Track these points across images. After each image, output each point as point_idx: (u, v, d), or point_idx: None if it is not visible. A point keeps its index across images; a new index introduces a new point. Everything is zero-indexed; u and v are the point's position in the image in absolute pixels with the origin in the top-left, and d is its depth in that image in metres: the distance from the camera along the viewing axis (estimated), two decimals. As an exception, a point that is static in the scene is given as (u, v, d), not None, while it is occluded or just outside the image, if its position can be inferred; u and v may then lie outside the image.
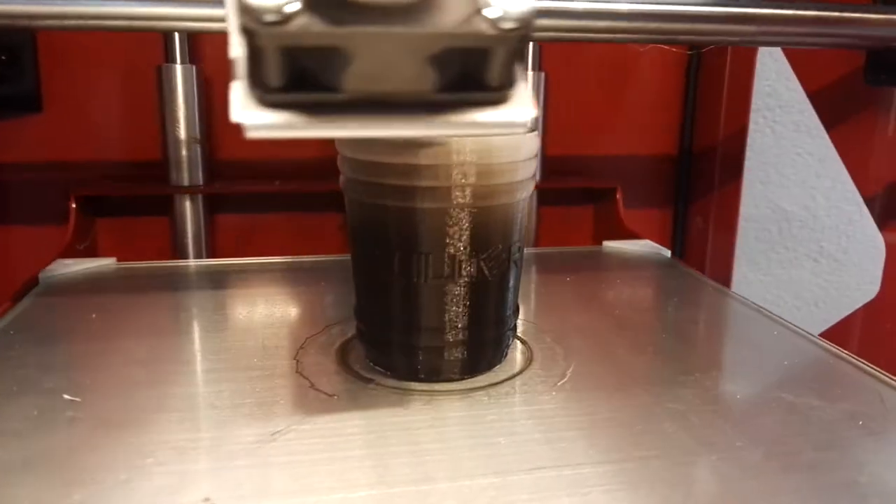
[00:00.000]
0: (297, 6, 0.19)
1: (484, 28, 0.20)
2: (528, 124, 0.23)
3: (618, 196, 0.73)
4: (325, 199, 0.74)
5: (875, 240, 0.82)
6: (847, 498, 0.28)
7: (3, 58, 0.61)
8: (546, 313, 0.48)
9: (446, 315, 0.35)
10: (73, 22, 0.47)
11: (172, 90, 0.67)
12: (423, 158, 0.33)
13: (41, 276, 0.54)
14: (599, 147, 0.80)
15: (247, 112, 0.21)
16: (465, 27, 0.20)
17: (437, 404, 0.35)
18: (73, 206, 0.66)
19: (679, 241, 0.83)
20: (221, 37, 0.74)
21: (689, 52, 0.78)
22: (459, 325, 0.36)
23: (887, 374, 0.38)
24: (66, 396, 0.34)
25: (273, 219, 0.75)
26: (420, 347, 0.36)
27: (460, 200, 0.34)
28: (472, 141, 0.33)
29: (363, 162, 0.34)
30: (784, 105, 0.77)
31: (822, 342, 0.43)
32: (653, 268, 0.59)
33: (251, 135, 0.21)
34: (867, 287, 0.84)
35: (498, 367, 0.39)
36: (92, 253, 0.70)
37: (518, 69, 0.23)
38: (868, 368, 0.39)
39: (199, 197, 0.70)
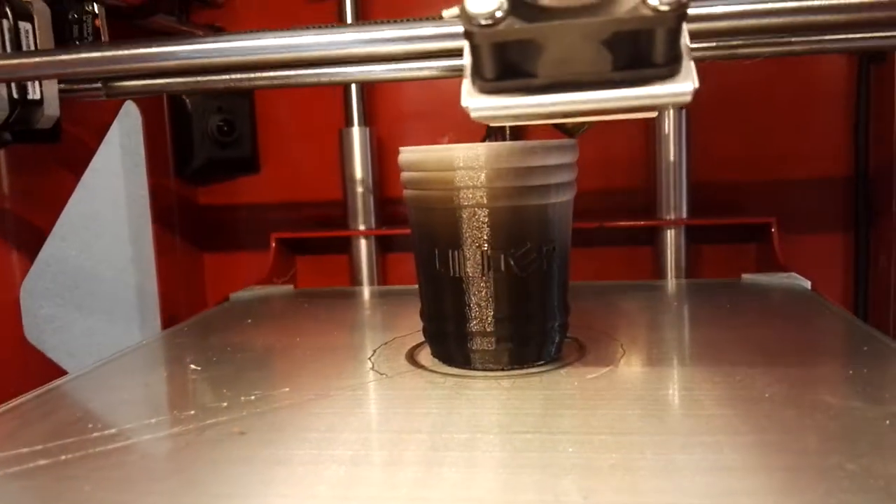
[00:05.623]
0: (502, 12, 0.25)
1: (646, 12, 0.25)
2: (690, 95, 0.26)
3: (773, 230, 0.69)
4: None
5: None
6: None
7: (226, 129, 0.78)
8: (625, 326, 0.48)
9: (484, 307, 0.39)
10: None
11: (350, 149, 0.79)
12: (455, 163, 0.38)
13: (231, 296, 0.67)
14: (756, 176, 0.76)
15: (471, 99, 0.27)
16: (632, 13, 0.25)
17: (485, 381, 0.39)
18: (273, 245, 0.80)
19: (862, 283, 0.75)
20: (391, 100, 0.84)
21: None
22: (498, 317, 0.39)
23: None
24: (192, 366, 0.44)
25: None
26: (466, 336, 0.40)
27: (485, 201, 0.38)
28: (489, 146, 0.37)
29: (413, 175, 0.40)
30: None
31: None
32: (778, 297, 0.55)
33: (475, 115, 0.27)
34: None
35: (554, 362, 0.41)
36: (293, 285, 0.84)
37: (680, 48, 0.26)
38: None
39: (372, 238, 0.81)
